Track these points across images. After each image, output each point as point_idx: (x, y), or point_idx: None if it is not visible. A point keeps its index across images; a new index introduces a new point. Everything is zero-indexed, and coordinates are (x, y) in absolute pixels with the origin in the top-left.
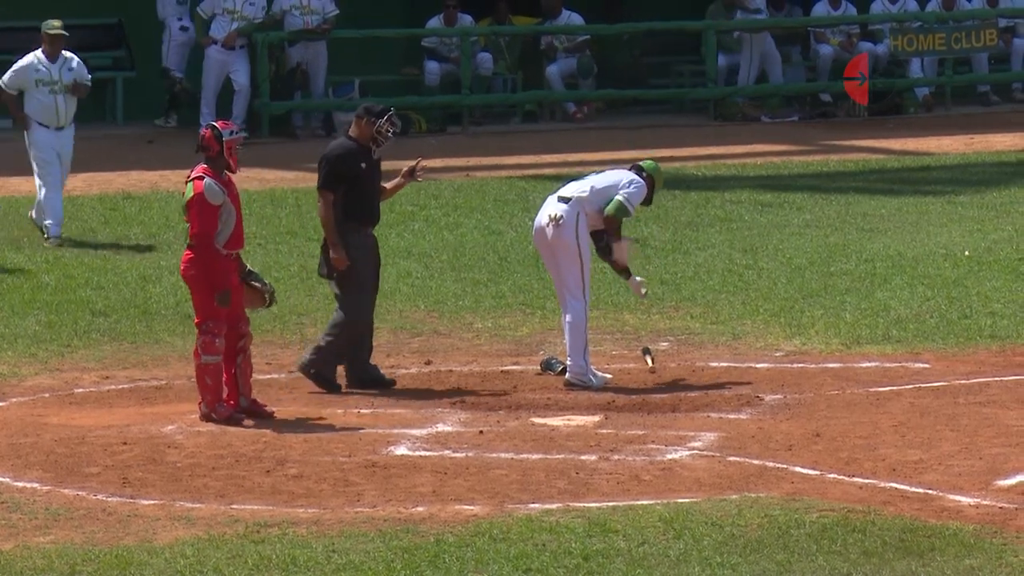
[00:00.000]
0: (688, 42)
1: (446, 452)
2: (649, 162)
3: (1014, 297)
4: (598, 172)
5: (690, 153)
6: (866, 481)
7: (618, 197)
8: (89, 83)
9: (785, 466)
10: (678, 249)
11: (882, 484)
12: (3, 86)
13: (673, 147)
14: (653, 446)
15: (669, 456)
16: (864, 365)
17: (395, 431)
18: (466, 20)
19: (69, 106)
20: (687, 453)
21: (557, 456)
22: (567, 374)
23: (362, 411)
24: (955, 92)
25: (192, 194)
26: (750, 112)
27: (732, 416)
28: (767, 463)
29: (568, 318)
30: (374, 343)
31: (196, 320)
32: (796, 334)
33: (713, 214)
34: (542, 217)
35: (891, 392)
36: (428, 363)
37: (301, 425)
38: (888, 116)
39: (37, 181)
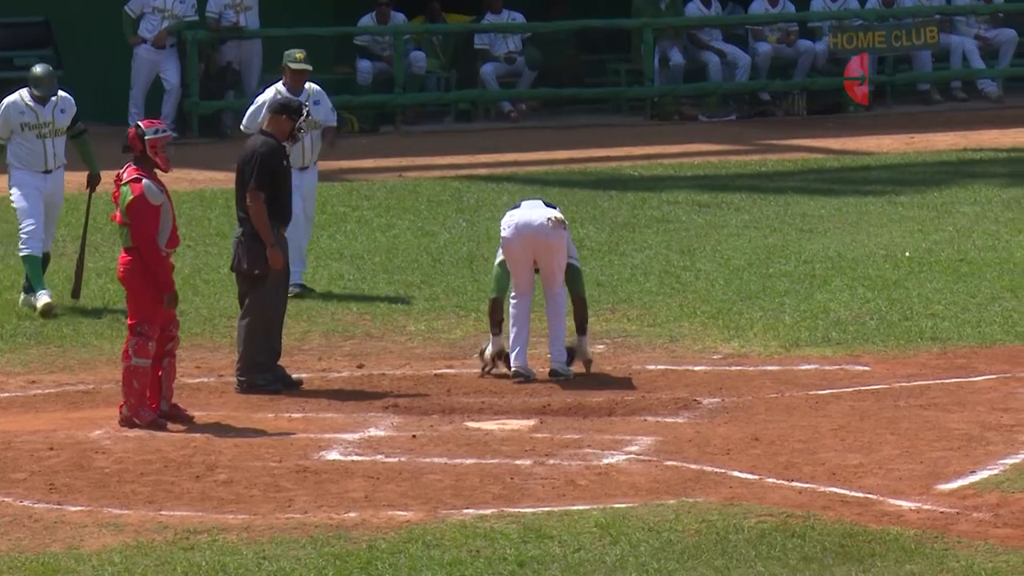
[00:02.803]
0: (625, 40)
1: (378, 457)
2: None
3: (955, 299)
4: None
5: (627, 153)
6: (805, 486)
7: (574, 263)
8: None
9: (723, 470)
10: (614, 250)
11: (822, 488)
12: None
13: (609, 147)
14: (589, 450)
15: (605, 460)
16: (803, 368)
17: (327, 436)
18: (399, 18)
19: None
20: (624, 457)
21: (491, 461)
22: (554, 364)
23: (293, 415)
24: (896, 91)
25: (131, 197)
26: (687, 111)
27: (669, 420)
28: (705, 467)
29: (557, 311)
30: (307, 346)
31: (130, 322)
32: (734, 336)
33: (650, 215)
34: (536, 217)
35: (831, 395)
36: (360, 367)
37: (231, 430)
38: (828, 115)
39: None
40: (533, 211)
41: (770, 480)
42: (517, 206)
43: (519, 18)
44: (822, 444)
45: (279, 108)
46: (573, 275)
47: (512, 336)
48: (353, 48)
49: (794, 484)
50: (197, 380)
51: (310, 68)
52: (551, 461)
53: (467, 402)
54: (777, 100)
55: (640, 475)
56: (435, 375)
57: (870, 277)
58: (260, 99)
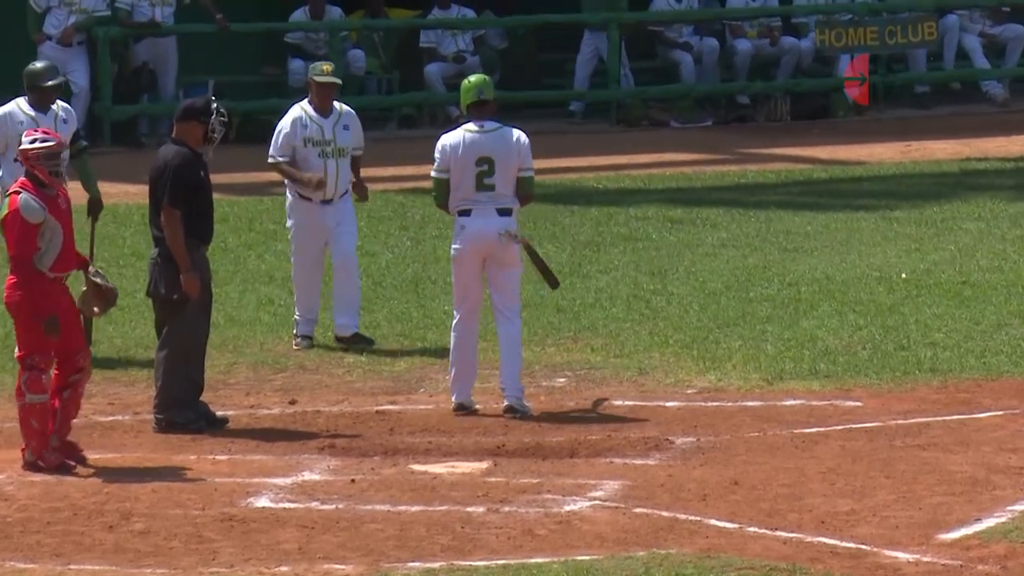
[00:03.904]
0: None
1: (313, 504)
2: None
3: (957, 326)
4: (477, 151)
5: (590, 163)
6: (790, 535)
7: (530, 174)
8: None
9: (699, 518)
10: (576, 272)
11: (809, 538)
12: None
13: (571, 156)
14: (549, 496)
15: (567, 508)
16: (788, 403)
17: (255, 480)
18: (335, 13)
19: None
20: (587, 504)
21: (440, 508)
22: (509, 399)
23: (218, 457)
24: (889, 93)
25: (7, 211)
26: (657, 116)
27: (638, 462)
28: (678, 515)
29: (511, 336)
30: (233, 380)
31: (19, 354)
32: (711, 368)
33: (616, 232)
34: (485, 230)
35: (818, 434)
36: (293, 402)
37: (148, 473)
38: (814, 121)
39: None
40: (480, 219)
41: (751, 529)
42: (467, 213)
43: (469, 13)
44: (809, 489)
45: (185, 113)
46: (532, 186)
47: (454, 365)
48: (284, 46)
49: (778, 533)
50: (110, 418)
51: (338, 82)
52: (506, 508)
53: (412, 442)
54: (758, 104)
55: (606, 524)
56: (376, 412)
57: (862, 302)
58: (282, 123)
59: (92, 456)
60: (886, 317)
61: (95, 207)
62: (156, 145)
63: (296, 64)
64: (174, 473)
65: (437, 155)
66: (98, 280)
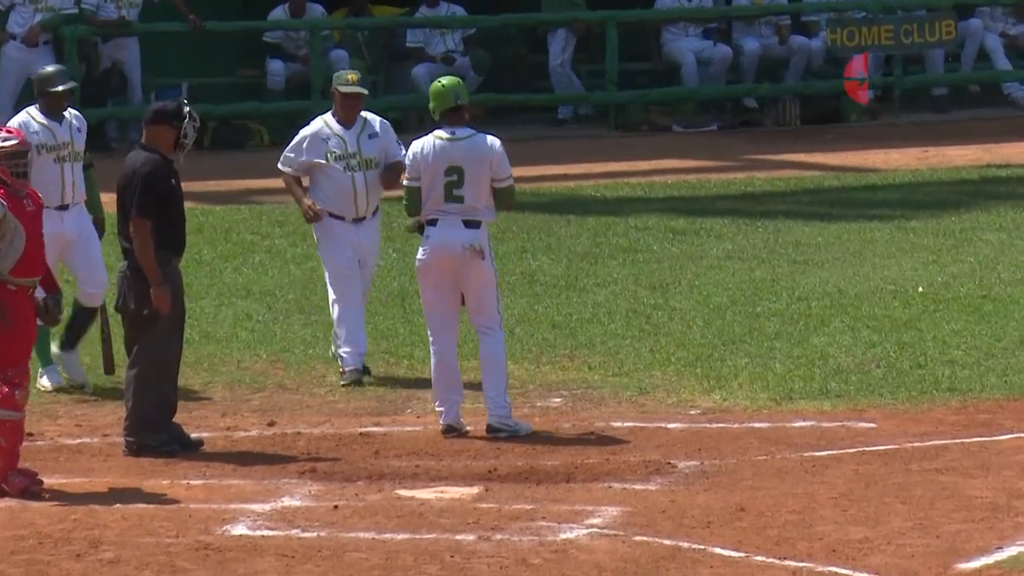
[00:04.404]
0: (583, 37)
1: (293, 532)
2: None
3: (977, 343)
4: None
5: (586, 170)
6: (800, 564)
7: (508, 184)
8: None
9: (703, 547)
10: (573, 286)
11: (819, 568)
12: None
13: (567, 163)
14: (543, 523)
15: (563, 536)
16: (797, 425)
17: (232, 506)
18: (317, 11)
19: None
20: (584, 532)
21: (428, 536)
22: (491, 418)
23: (192, 482)
24: (905, 96)
25: None
26: (658, 121)
27: (639, 487)
28: (681, 544)
29: (490, 352)
30: (209, 400)
31: None
32: (715, 388)
33: (615, 243)
34: (449, 242)
35: (830, 457)
36: (272, 424)
37: (118, 499)
38: (825, 125)
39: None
40: (445, 231)
41: (758, 558)
42: (433, 222)
43: (459, 12)
44: (820, 515)
45: (155, 116)
46: (512, 195)
47: (436, 386)
48: (262, 46)
49: (787, 563)
50: (78, 440)
51: (365, 92)
52: (498, 536)
53: (398, 466)
54: (765, 107)
55: (604, 553)
56: (360, 434)
57: (876, 317)
58: (302, 133)
59: (59, 481)
60: (902, 333)
61: (99, 228)
62: (126, 150)
63: (275, 65)
64: (145, 499)
65: (407, 162)
66: (48, 303)
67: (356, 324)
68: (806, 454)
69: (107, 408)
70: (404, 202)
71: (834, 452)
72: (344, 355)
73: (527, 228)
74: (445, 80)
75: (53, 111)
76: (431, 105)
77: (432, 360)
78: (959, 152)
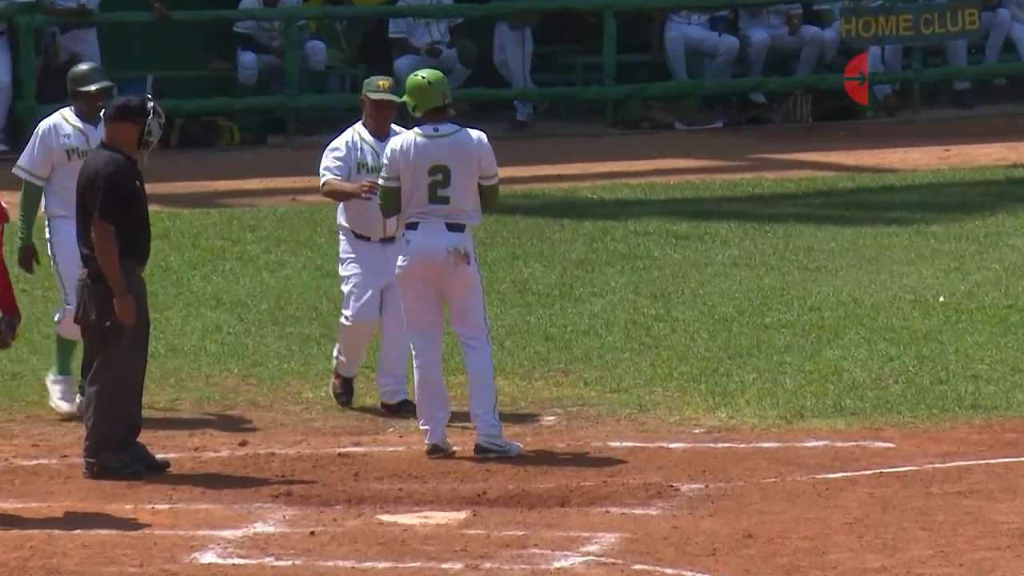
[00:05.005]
0: (578, 27)
1: (267, 560)
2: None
3: (1002, 356)
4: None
5: (582, 170)
6: None
7: (496, 182)
8: None
9: None
10: (568, 295)
11: None
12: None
13: (561, 162)
14: (536, 551)
15: (557, 564)
16: (809, 445)
17: (200, 532)
18: None
19: None
20: (580, 560)
21: (411, 564)
22: (479, 438)
23: (158, 507)
24: (925, 91)
25: None
26: (660, 117)
27: (638, 512)
28: (684, 572)
29: (476, 366)
30: (176, 419)
31: None
32: (721, 405)
33: (613, 249)
34: (432, 246)
35: (844, 480)
36: (243, 444)
37: (78, 525)
38: (839, 122)
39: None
40: (428, 235)
41: None
42: (414, 226)
43: (446, 0)
44: (833, 542)
45: (117, 112)
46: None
47: (420, 403)
48: (233, 37)
49: None
50: (34, 462)
51: (397, 99)
52: (487, 564)
53: (380, 489)
54: (775, 103)
55: None
56: (339, 455)
57: (894, 328)
58: (336, 143)
59: (14, 505)
60: (921, 346)
61: None
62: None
63: (247, 57)
64: (108, 525)
65: (386, 160)
66: (2, 326)
67: (360, 353)
68: (819, 476)
69: (66, 427)
70: (380, 203)
71: (849, 474)
72: (336, 382)
73: (518, 233)
74: (426, 74)
75: (88, 114)
76: (410, 101)
77: (415, 375)
78: (983, 151)
